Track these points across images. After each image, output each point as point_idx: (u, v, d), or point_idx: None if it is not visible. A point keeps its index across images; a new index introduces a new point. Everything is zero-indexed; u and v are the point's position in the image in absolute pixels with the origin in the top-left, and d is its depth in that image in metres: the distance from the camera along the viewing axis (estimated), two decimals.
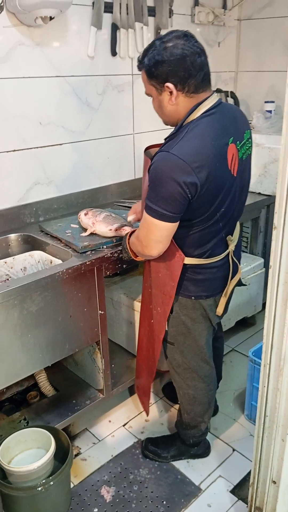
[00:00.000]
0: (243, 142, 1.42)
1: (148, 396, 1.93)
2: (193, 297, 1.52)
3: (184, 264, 1.45)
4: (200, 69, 1.31)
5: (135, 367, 1.95)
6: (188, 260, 1.45)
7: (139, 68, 1.39)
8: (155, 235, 1.37)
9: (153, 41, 1.35)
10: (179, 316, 1.56)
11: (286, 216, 1.08)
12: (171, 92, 1.33)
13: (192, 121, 1.33)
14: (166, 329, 1.62)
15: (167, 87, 1.32)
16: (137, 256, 1.58)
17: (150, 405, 2.12)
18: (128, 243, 1.57)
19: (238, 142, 1.39)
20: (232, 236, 1.52)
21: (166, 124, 1.46)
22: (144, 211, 1.37)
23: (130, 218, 1.76)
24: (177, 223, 1.36)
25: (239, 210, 1.51)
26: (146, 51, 1.35)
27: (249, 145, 1.47)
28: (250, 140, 1.48)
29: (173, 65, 1.29)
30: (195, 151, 1.27)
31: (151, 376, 1.81)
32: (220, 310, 1.57)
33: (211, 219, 1.38)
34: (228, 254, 1.51)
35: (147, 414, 2.03)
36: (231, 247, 1.51)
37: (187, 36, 1.31)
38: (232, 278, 1.56)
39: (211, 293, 1.53)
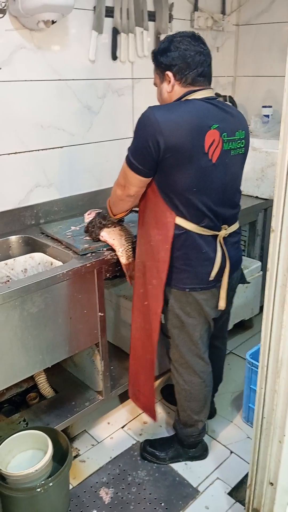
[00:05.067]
0: (232, 138, 1.47)
1: (153, 397, 1.80)
2: (187, 289, 1.53)
3: (173, 254, 1.49)
4: (199, 65, 1.43)
5: None
6: (179, 221, 1.46)
7: (152, 59, 1.53)
8: (129, 181, 1.49)
9: (166, 36, 1.49)
10: (173, 309, 1.58)
11: (284, 219, 1.09)
12: (170, 81, 1.46)
13: (185, 100, 1.44)
14: (163, 321, 1.63)
15: (167, 75, 1.46)
16: (115, 215, 1.66)
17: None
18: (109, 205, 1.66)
19: (225, 134, 1.44)
20: (227, 226, 1.54)
21: None
22: None
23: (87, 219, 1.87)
24: (146, 179, 1.45)
25: (227, 202, 1.52)
26: (159, 44, 1.50)
27: (241, 145, 1.51)
28: (243, 141, 1.52)
29: (175, 57, 1.43)
30: (173, 118, 1.37)
31: (151, 372, 1.72)
32: (222, 304, 1.56)
33: (189, 198, 1.43)
34: (218, 241, 1.52)
35: (156, 419, 1.89)
36: (222, 233, 1.52)
37: (195, 36, 1.46)
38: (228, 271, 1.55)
39: (204, 285, 1.53)
